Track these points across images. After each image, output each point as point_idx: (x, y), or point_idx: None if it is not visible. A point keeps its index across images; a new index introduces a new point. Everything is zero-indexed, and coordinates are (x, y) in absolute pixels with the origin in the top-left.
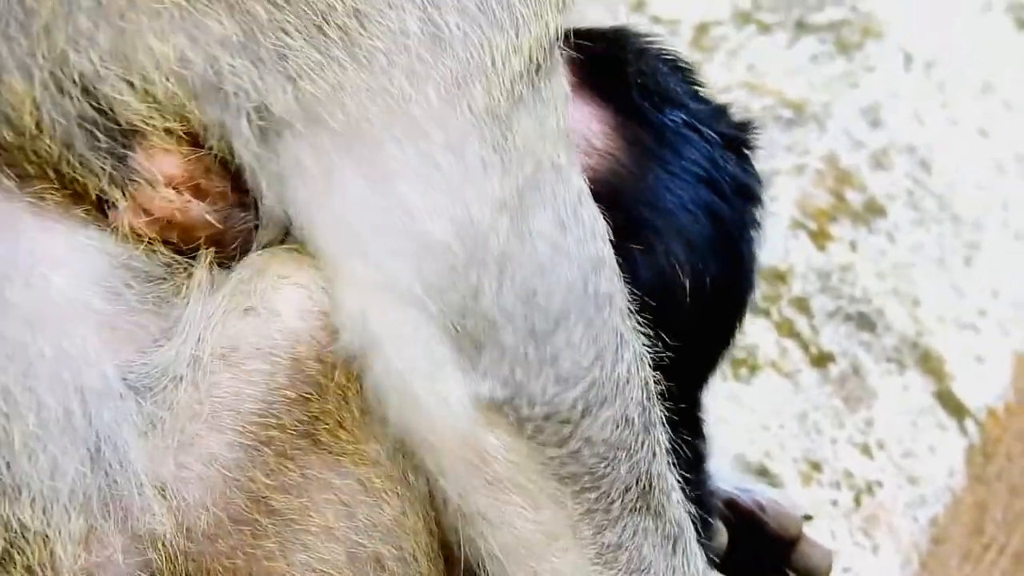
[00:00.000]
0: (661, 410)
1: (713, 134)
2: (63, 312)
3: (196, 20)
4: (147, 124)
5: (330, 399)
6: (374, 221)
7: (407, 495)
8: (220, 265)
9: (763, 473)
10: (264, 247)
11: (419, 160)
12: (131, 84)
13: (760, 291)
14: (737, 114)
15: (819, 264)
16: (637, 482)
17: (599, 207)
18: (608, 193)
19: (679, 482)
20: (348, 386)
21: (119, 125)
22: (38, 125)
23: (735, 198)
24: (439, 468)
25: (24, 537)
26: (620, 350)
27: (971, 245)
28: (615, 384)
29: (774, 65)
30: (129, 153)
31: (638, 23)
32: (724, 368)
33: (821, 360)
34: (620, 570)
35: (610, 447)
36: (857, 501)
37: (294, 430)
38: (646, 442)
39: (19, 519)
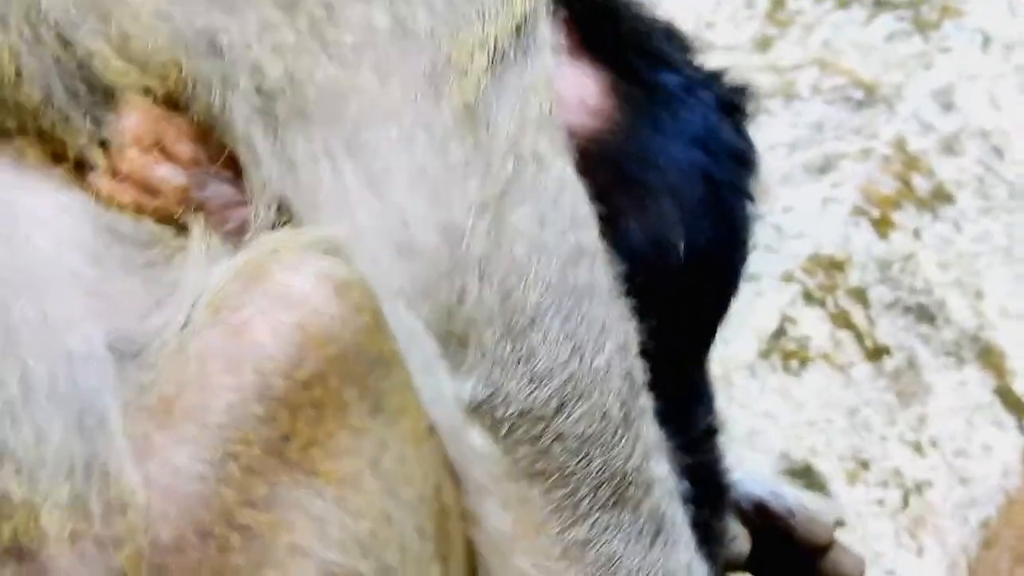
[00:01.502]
0: (648, 400)
1: (709, 97)
2: (46, 274)
3: None
4: (123, 82)
5: (301, 417)
6: (372, 222)
7: (392, 507)
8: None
9: (807, 471)
10: (264, 228)
11: (408, 162)
12: (107, 36)
13: (816, 281)
14: (733, 79)
15: (880, 253)
16: (612, 478)
17: (591, 165)
18: (601, 151)
19: (678, 469)
20: (324, 402)
21: (99, 80)
22: (18, 72)
23: (729, 162)
24: (451, 464)
25: (10, 504)
26: (601, 340)
27: None
28: (593, 377)
29: (849, 42)
30: (106, 113)
31: None
32: (774, 360)
33: (876, 353)
34: (587, 565)
35: (583, 443)
36: (905, 501)
37: (262, 447)
38: (625, 436)
39: (3, 486)
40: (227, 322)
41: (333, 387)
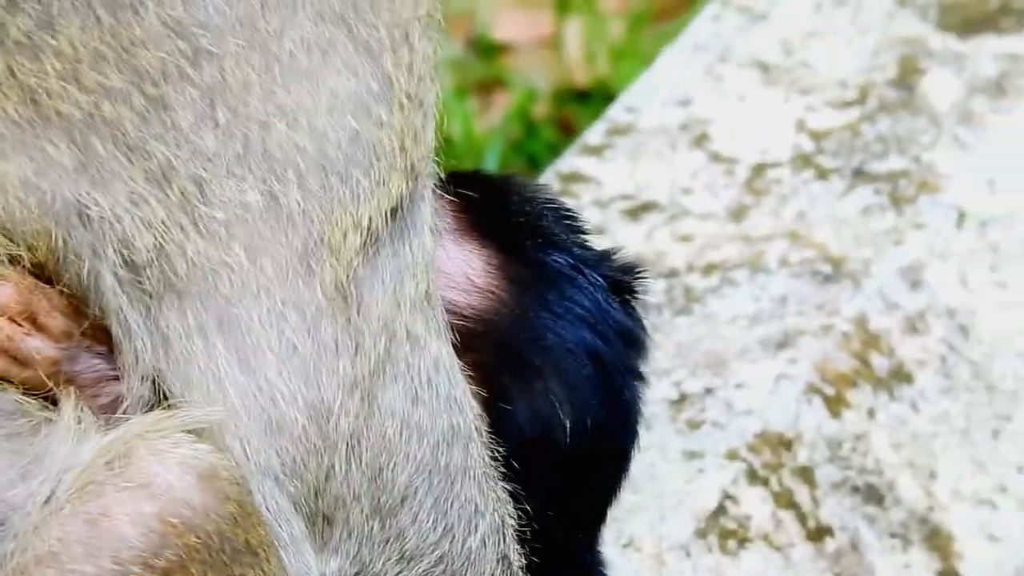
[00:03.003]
0: None
1: (598, 277)
2: None
3: (35, 143)
4: None
5: None
6: (242, 399)
7: None
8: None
9: None
10: (137, 403)
11: (278, 340)
12: None
13: (762, 459)
14: (623, 258)
15: (831, 432)
16: None
17: (477, 345)
18: (488, 330)
19: None
20: None
21: None
22: None
23: (618, 342)
24: None
25: None
26: (473, 522)
27: (1002, 417)
28: (466, 559)
29: (824, 214)
30: None
31: (695, 158)
32: (710, 540)
33: (818, 534)
34: None
35: None
36: None
37: None
38: None
39: None
40: (89, 508)
41: (195, 574)
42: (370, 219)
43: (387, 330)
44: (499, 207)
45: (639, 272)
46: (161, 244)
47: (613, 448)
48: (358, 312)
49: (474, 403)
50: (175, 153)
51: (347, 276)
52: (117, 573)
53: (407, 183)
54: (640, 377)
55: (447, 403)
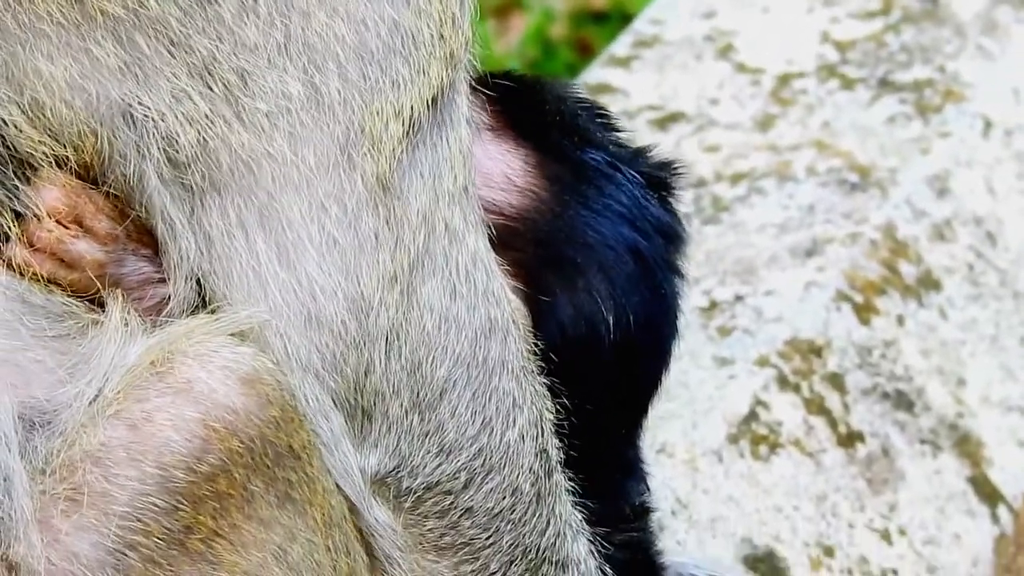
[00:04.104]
0: (563, 479)
1: (635, 173)
2: None
3: (80, 44)
4: (37, 151)
5: (204, 510)
6: (282, 295)
7: None
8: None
9: (769, 558)
10: (183, 304)
11: (319, 234)
12: (20, 105)
13: (792, 365)
14: (658, 155)
15: (860, 339)
16: (524, 555)
17: (519, 243)
18: (529, 228)
19: (598, 544)
20: (229, 494)
21: (14, 152)
22: None
23: (656, 237)
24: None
25: None
26: (512, 415)
27: None
28: (504, 452)
29: (849, 123)
30: (22, 184)
31: (721, 69)
32: (742, 446)
33: (849, 439)
34: None
35: (492, 518)
36: None
37: (162, 537)
38: (537, 513)
39: None
40: (132, 411)
41: (238, 479)
42: (412, 108)
43: (426, 223)
44: (534, 107)
45: (675, 168)
46: (205, 139)
47: (655, 343)
48: (398, 205)
49: (512, 297)
50: (218, 46)
51: (388, 167)
52: (160, 478)
53: (447, 71)
54: (680, 273)
55: (485, 296)
